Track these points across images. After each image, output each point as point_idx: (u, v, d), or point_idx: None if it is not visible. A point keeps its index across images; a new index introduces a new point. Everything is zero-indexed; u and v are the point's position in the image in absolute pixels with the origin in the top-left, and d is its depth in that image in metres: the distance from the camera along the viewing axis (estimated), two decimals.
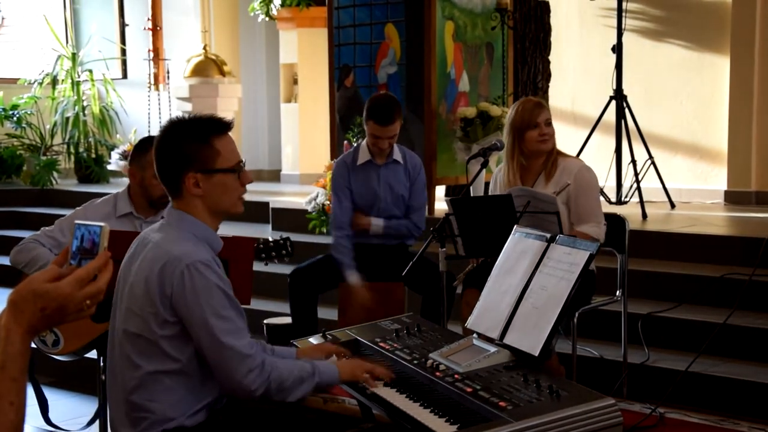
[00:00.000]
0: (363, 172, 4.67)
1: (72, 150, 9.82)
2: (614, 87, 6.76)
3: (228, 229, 2.83)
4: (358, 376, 2.79)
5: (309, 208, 6.45)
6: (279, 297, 5.72)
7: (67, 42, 10.57)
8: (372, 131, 4.53)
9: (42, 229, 3.88)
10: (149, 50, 9.81)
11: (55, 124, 9.95)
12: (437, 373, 2.70)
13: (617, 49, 6.77)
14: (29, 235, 3.87)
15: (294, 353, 2.98)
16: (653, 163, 6.75)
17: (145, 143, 3.86)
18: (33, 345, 3.68)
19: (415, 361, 2.84)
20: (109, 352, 2.76)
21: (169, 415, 2.61)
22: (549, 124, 4.21)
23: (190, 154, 2.65)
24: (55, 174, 9.22)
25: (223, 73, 9.32)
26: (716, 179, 7.41)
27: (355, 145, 5.06)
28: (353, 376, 2.79)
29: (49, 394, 3.86)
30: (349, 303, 4.58)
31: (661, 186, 6.76)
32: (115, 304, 2.75)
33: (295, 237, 4.91)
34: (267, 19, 9.13)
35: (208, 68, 9.28)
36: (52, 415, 3.79)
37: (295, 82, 9.32)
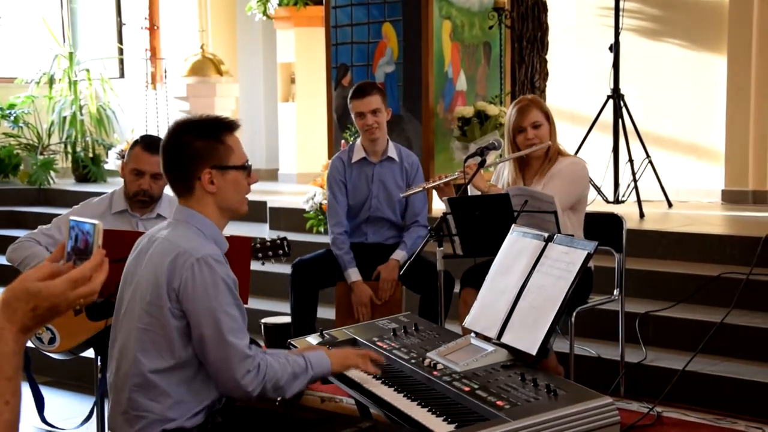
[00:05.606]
0: (357, 169, 4.66)
1: (69, 149, 9.79)
2: (611, 86, 6.76)
3: (225, 228, 2.82)
4: (351, 364, 2.80)
5: (306, 207, 6.44)
6: (276, 296, 5.72)
7: (64, 41, 10.56)
8: (355, 109, 4.53)
9: (39, 227, 3.88)
10: (146, 49, 9.80)
11: (52, 124, 9.93)
12: (435, 372, 2.70)
13: (614, 48, 6.76)
14: (26, 234, 3.88)
15: None
16: (650, 162, 6.75)
17: (137, 141, 3.95)
18: (30, 343, 3.69)
19: (413, 360, 2.84)
20: (110, 350, 2.75)
21: (169, 415, 2.61)
22: (537, 126, 4.12)
23: (204, 150, 2.65)
24: (52, 173, 9.20)
25: (220, 73, 9.31)
26: (713, 178, 7.41)
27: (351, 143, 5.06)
28: (345, 366, 2.80)
29: (46, 393, 3.83)
30: (346, 302, 4.58)
31: (658, 185, 6.76)
32: (120, 303, 2.74)
33: (293, 236, 4.92)
34: (264, 18, 9.11)
35: (205, 67, 9.27)
36: (48, 415, 3.78)
37: (293, 81, 9.30)
